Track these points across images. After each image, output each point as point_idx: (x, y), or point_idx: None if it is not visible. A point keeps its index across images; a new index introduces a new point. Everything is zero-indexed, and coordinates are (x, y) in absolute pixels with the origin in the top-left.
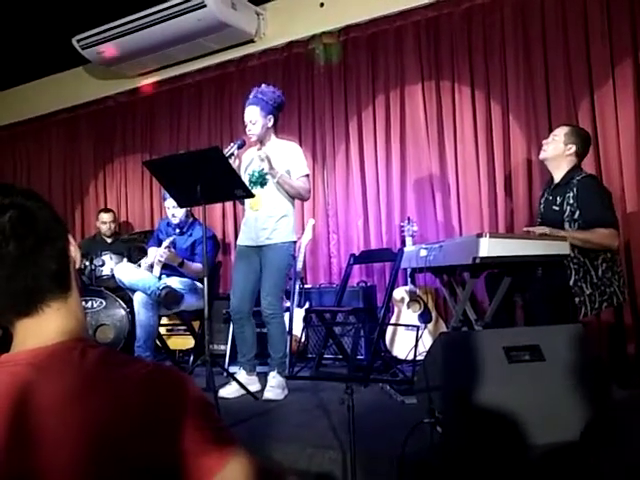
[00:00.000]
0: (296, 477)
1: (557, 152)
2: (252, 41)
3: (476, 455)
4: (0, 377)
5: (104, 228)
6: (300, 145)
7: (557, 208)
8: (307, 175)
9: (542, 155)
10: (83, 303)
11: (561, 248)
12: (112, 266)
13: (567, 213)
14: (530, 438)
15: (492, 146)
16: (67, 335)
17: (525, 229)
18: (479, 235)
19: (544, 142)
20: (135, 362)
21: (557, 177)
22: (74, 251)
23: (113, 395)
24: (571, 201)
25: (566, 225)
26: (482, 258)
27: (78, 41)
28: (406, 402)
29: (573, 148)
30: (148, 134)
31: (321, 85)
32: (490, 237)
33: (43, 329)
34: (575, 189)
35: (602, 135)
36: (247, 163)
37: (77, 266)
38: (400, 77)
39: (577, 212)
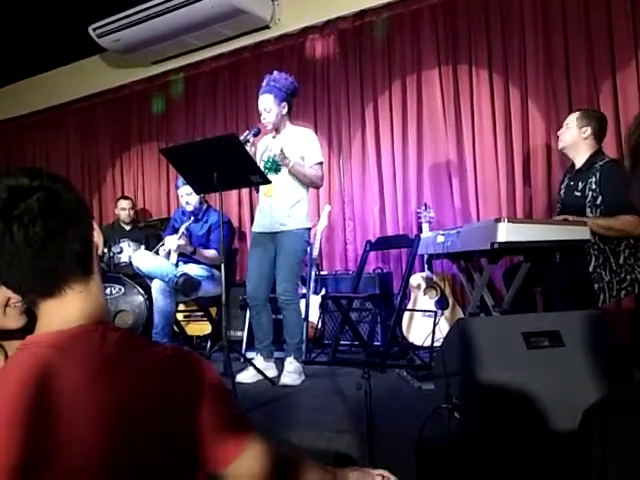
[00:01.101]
0: (313, 460)
1: (574, 138)
2: (267, 27)
3: (494, 441)
4: (23, 359)
5: (123, 215)
6: (316, 131)
7: (579, 194)
8: (321, 163)
9: (560, 145)
10: None
11: (581, 233)
12: (130, 253)
13: (589, 198)
14: (549, 424)
15: (510, 131)
16: (88, 318)
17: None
18: (497, 220)
19: (559, 133)
20: (154, 346)
21: (578, 163)
22: (97, 236)
23: (132, 378)
24: (593, 186)
25: (588, 211)
26: (500, 243)
27: (94, 29)
28: (423, 388)
29: (589, 130)
30: (164, 122)
31: (336, 71)
32: (508, 222)
33: (66, 311)
34: (598, 174)
35: (624, 119)
36: (262, 150)
37: (99, 252)
38: (417, 62)
39: (599, 197)
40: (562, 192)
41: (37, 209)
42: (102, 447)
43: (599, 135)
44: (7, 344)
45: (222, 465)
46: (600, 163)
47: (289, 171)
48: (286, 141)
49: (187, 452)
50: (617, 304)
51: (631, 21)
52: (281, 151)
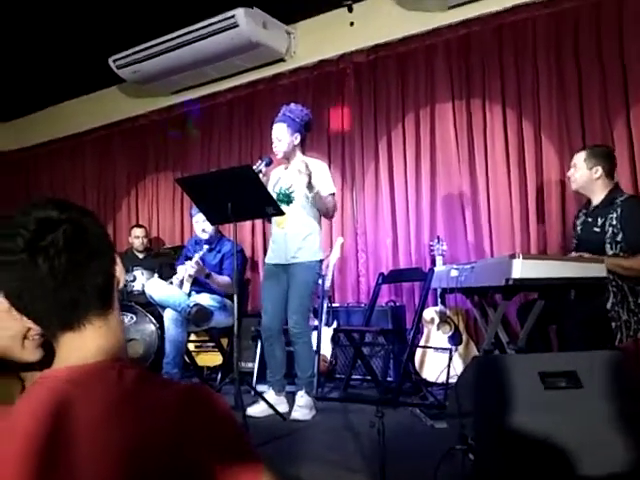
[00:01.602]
0: None
1: (585, 179)
2: (282, 60)
3: None
4: (39, 393)
5: (137, 243)
6: (329, 164)
7: (598, 230)
8: (334, 194)
9: (573, 187)
10: None
11: (597, 271)
12: (143, 282)
13: (609, 234)
14: (567, 468)
15: (524, 165)
16: (106, 354)
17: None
18: (512, 256)
19: (569, 174)
20: (171, 384)
21: (596, 200)
22: (119, 271)
23: (148, 416)
24: (614, 222)
25: (607, 247)
26: (515, 280)
27: (114, 61)
28: (436, 426)
29: (599, 170)
30: (180, 152)
31: (351, 104)
32: (523, 258)
33: (85, 346)
34: (619, 210)
35: (639, 153)
36: (274, 181)
37: (120, 286)
38: (430, 95)
39: (620, 234)
40: (579, 228)
41: (63, 241)
42: None
43: (610, 172)
44: (25, 375)
45: None
46: (621, 199)
47: (312, 198)
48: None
49: None
50: (635, 343)
51: None
52: (309, 173)
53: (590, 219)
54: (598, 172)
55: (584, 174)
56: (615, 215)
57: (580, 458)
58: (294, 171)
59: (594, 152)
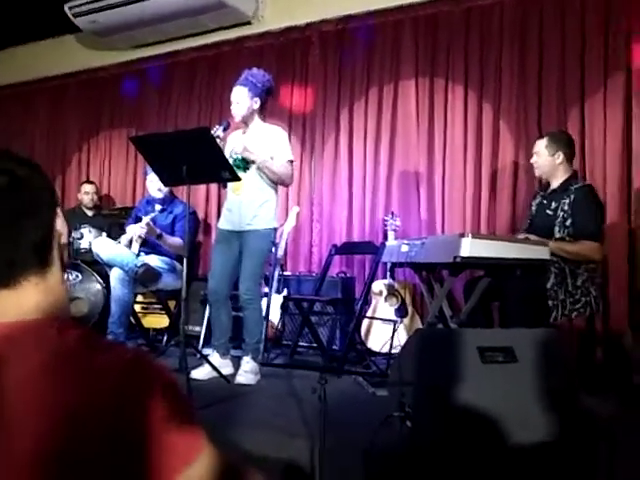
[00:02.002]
0: (263, 476)
1: (548, 165)
2: (249, 23)
3: (443, 451)
4: None
5: (86, 199)
6: (290, 131)
7: (550, 212)
8: (291, 161)
9: (537, 173)
10: None
11: (541, 253)
12: (90, 240)
13: (559, 219)
14: (498, 437)
15: (481, 147)
16: (44, 312)
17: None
18: (461, 235)
19: (532, 161)
20: (114, 347)
21: (554, 184)
22: (61, 225)
23: (87, 379)
24: (566, 207)
25: (556, 229)
26: (463, 258)
27: (70, 8)
28: (377, 394)
29: (561, 156)
30: (137, 109)
31: (315, 73)
32: (472, 237)
33: (21, 303)
34: (572, 196)
35: (589, 144)
36: (232, 146)
37: (64, 240)
38: (395, 71)
39: (569, 219)
40: (534, 209)
41: None
42: (46, 447)
43: (571, 157)
44: None
45: (172, 474)
46: (576, 186)
47: (258, 169)
48: (256, 138)
49: (134, 460)
50: (570, 322)
51: (603, 52)
52: (244, 149)
53: (545, 201)
54: (560, 158)
55: (547, 160)
56: (568, 201)
57: (511, 428)
58: (252, 136)
59: (555, 138)
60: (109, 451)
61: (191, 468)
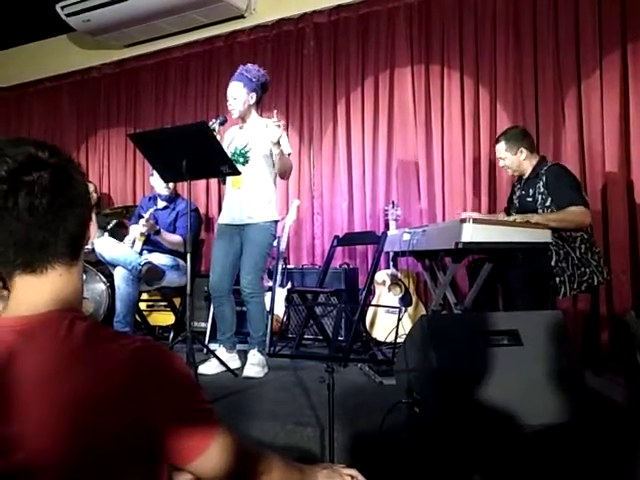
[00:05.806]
0: (277, 456)
1: (515, 163)
2: (242, 17)
3: (452, 435)
4: None
5: None
6: (287, 124)
7: (530, 199)
8: (290, 154)
9: (510, 173)
10: None
11: (543, 236)
12: (93, 240)
13: (539, 202)
14: (504, 420)
15: (479, 133)
16: (61, 304)
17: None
18: (462, 220)
19: (501, 165)
20: (123, 338)
21: (526, 174)
22: (92, 227)
23: (97, 370)
24: (541, 189)
25: (539, 212)
26: (464, 243)
27: (62, 8)
28: (384, 383)
29: (524, 152)
30: (133, 107)
31: (310, 64)
32: (473, 223)
33: (40, 292)
34: (544, 177)
35: (587, 125)
36: (229, 141)
37: (88, 244)
38: (390, 60)
39: (548, 199)
40: (516, 202)
41: (49, 182)
42: (60, 440)
43: (532, 148)
44: None
45: (188, 460)
46: (545, 168)
47: (267, 158)
48: (254, 132)
49: (149, 446)
50: (574, 306)
51: (597, 33)
52: (284, 126)
53: (524, 191)
54: (523, 153)
55: (512, 160)
56: (541, 183)
57: (518, 411)
58: (250, 130)
59: (510, 137)
60: (127, 432)
61: (206, 453)
